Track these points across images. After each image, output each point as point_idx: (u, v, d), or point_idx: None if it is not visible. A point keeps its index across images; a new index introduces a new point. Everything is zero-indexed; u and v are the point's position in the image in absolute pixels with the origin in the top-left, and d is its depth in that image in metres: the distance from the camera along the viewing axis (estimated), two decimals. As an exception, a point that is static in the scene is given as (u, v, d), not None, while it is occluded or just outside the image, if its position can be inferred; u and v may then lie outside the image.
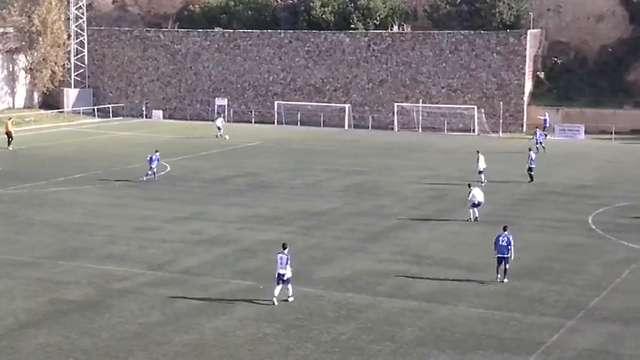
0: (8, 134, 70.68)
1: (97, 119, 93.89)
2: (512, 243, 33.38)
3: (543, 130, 76.92)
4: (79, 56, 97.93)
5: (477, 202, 44.12)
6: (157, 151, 56.66)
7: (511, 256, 33.42)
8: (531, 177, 55.90)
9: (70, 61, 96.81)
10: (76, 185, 54.19)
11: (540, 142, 70.63)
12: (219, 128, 77.54)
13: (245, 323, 28.62)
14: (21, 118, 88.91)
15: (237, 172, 59.20)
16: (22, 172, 58.59)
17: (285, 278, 30.68)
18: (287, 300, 30.77)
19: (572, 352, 26.14)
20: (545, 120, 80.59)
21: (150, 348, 26.34)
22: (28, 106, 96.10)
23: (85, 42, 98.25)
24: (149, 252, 37.79)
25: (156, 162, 55.45)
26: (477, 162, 55.42)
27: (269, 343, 26.91)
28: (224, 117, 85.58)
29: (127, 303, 30.50)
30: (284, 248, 31.03)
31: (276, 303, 30.45)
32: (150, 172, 55.50)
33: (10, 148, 69.71)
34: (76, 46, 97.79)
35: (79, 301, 30.78)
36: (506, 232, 33.64)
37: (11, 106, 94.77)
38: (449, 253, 37.67)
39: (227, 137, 75.94)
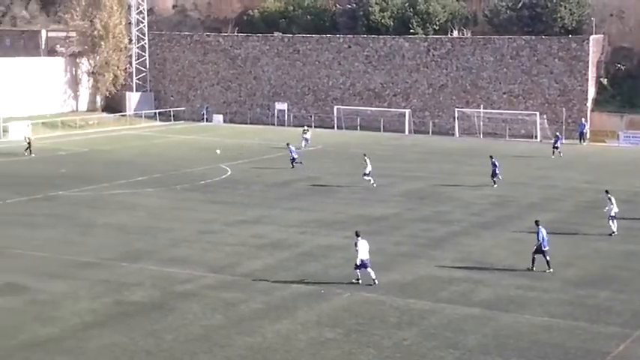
0: (27, 140, 69.45)
1: (158, 123, 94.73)
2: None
3: (580, 136, 78.01)
4: (140, 60, 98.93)
5: (613, 214, 42.69)
6: (288, 143, 63.89)
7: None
8: (494, 182, 56.01)
9: (131, 65, 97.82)
10: (138, 188, 54.74)
11: (556, 147, 70.97)
12: (307, 140, 75.67)
13: (307, 327, 28.62)
14: (84, 121, 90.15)
15: (297, 177, 59.27)
16: (85, 175, 59.32)
17: (367, 263, 32.96)
18: (374, 283, 32.90)
19: (640, 363, 25.72)
20: (582, 125, 80.00)
21: (213, 351, 26.47)
22: (91, 109, 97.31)
23: (146, 46, 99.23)
24: (211, 255, 38.02)
25: (294, 152, 62.61)
26: (366, 164, 56.48)
27: (331, 347, 26.88)
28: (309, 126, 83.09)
29: (190, 305, 30.69)
30: (358, 235, 33.54)
31: (377, 282, 33.01)
32: (296, 159, 62.40)
33: (31, 154, 68.49)
34: (137, 50, 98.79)
35: (143, 303, 31.07)
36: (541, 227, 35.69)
37: (74, 109, 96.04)
38: (512, 260, 37.23)
39: (318, 146, 74.88)
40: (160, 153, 71.84)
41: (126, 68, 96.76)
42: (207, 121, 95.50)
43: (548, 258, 35.16)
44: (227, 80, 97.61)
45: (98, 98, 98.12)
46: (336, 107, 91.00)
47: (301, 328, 28.56)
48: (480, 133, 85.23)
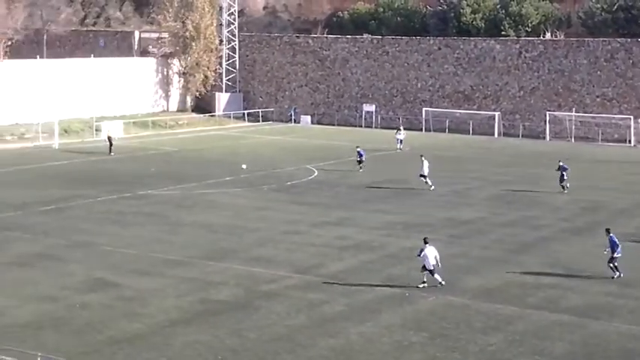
0: (109, 139, 70.71)
1: (246, 123, 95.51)
2: None
3: None
4: (230, 61, 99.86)
5: None
6: (358, 146, 63.21)
7: None
8: (563, 187, 54.32)
9: (221, 66, 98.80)
10: (226, 188, 55.25)
11: None
12: (400, 141, 75.25)
13: (391, 330, 28.46)
14: (174, 121, 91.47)
15: (383, 178, 59.02)
16: (174, 174, 60.13)
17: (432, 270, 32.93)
18: (442, 284, 32.88)
19: None
20: None
21: (296, 351, 26.50)
22: (181, 109, 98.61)
23: (237, 47, 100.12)
24: (296, 255, 38.12)
25: (364, 155, 62.27)
26: (422, 166, 55.63)
27: (415, 351, 26.68)
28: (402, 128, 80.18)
29: (274, 305, 30.81)
30: (426, 242, 33.35)
31: (443, 283, 32.89)
32: (361, 165, 61.79)
33: (110, 153, 69.47)
34: (227, 51, 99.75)
35: (227, 302, 31.31)
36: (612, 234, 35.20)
37: (165, 109, 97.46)
38: (601, 267, 36.22)
39: (406, 148, 74.18)
40: (247, 153, 72.34)
41: (216, 69, 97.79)
42: (295, 122, 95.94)
43: (616, 264, 34.68)
44: (315, 81, 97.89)
45: (188, 99, 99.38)
46: (424, 109, 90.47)
47: (385, 331, 28.41)
48: (571, 137, 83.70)
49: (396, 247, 39.92)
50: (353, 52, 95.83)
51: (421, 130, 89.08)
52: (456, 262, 37.19)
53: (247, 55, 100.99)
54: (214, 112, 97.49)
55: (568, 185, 54.40)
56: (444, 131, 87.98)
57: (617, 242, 34.75)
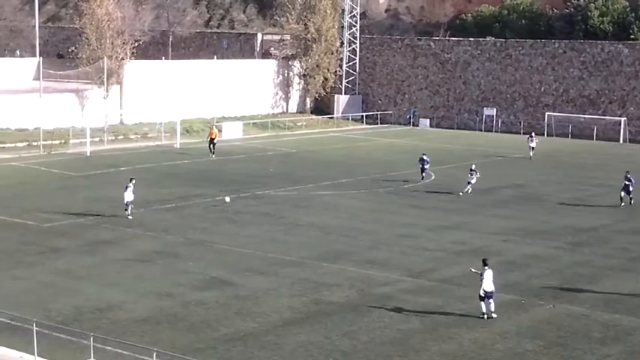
0: (212, 140, 69.94)
1: (364, 125, 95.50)
2: None
3: None
4: (350, 63, 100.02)
5: None
6: (424, 154, 59.68)
7: None
8: (621, 199, 51.06)
9: (341, 68, 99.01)
10: (342, 189, 55.27)
11: None
12: (532, 148, 72.74)
13: (505, 337, 27.96)
14: (293, 122, 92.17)
15: (503, 183, 58.06)
16: (292, 175, 60.53)
17: (490, 294, 29.84)
18: (492, 317, 29.70)
19: None
20: None
21: (408, 355, 26.27)
22: (301, 110, 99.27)
23: (357, 50, 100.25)
24: (410, 259, 37.83)
25: (427, 164, 58.97)
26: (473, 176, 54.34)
27: (529, 359, 26.08)
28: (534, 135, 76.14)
29: (386, 308, 30.61)
30: (486, 264, 30.12)
31: (486, 317, 29.65)
32: (423, 174, 58.83)
33: (214, 156, 68.90)
34: (348, 53, 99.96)
35: (340, 303, 31.27)
36: None
37: (284, 110, 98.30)
38: None
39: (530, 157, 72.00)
40: (365, 156, 72.33)
41: (336, 71, 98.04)
42: (413, 125, 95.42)
43: None
44: (435, 84, 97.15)
45: (308, 100, 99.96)
46: (547, 114, 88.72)
47: (499, 337, 27.92)
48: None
49: (513, 253, 39.19)
50: (475, 55, 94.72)
51: (543, 134, 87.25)
52: (576, 270, 36.36)
53: (367, 58, 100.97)
54: (333, 113, 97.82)
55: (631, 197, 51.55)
56: (567, 136, 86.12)
57: None
